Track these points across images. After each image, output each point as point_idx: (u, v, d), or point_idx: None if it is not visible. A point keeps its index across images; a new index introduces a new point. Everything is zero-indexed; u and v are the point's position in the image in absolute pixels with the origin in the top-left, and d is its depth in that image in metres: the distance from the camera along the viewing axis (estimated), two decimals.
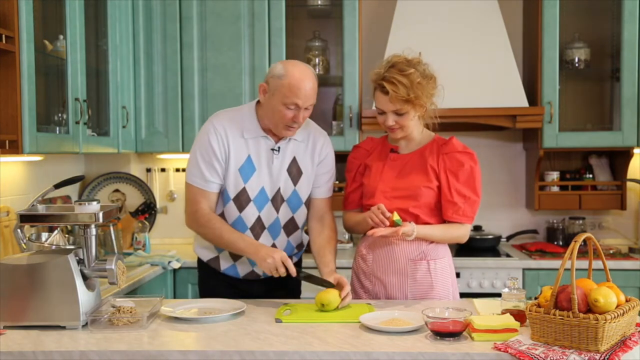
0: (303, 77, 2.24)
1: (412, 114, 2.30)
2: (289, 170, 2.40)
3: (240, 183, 2.35)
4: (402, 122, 2.31)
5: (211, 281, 2.52)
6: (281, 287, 2.49)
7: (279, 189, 2.39)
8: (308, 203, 2.48)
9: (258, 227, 2.40)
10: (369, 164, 2.45)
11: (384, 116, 2.32)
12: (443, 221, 2.38)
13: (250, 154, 2.35)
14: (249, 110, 2.39)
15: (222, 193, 2.37)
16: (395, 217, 2.23)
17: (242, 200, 2.36)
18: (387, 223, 2.25)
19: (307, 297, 2.63)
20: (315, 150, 2.45)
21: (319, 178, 2.48)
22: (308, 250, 2.56)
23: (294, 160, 2.41)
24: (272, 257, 2.22)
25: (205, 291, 2.53)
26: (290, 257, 2.51)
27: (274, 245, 2.43)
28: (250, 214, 2.37)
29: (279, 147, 2.38)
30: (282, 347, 1.79)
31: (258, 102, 2.39)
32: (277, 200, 2.40)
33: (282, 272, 2.23)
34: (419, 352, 1.74)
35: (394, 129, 2.33)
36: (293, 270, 2.24)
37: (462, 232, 2.37)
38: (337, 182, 3.58)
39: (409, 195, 2.34)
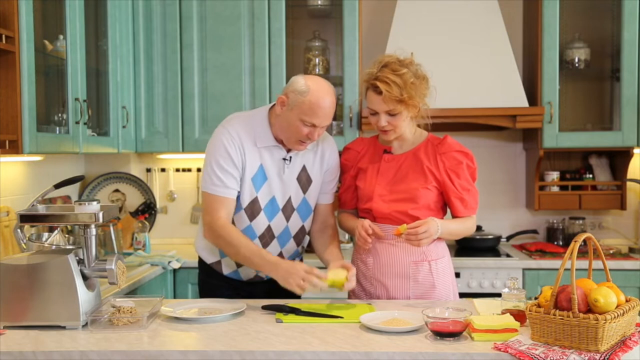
0: (323, 96, 2.22)
1: (405, 115, 2.29)
2: (298, 179, 2.39)
3: (253, 192, 2.33)
4: (395, 123, 2.29)
5: (212, 282, 2.51)
6: (283, 288, 2.49)
7: (290, 197, 2.38)
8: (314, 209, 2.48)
9: (268, 236, 2.39)
10: (362, 166, 2.44)
11: (377, 117, 2.31)
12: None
13: (263, 163, 2.33)
14: (261, 118, 2.35)
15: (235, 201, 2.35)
16: (403, 228, 2.22)
17: (253, 209, 2.34)
18: (370, 241, 2.28)
19: (307, 297, 2.63)
20: (324, 159, 2.44)
21: (325, 185, 2.47)
22: (308, 250, 2.57)
23: (304, 168, 2.40)
24: (294, 274, 2.12)
25: (206, 292, 2.53)
26: (293, 259, 2.51)
27: (280, 253, 2.42)
28: (260, 223, 2.36)
29: (290, 157, 2.36)
30: (282, 347, 1.79)
31: (271, 108, 2.36)
32: (287, 209, 2.39)
33: (312, 289, 2.12)
34: (419, 352, 1.74)
35: (387, 131, 2.32)
36: (319, 276, 2.13)
37: (473, 223, 2.41)
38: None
39: (407, 198, 2.33)
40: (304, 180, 2.40)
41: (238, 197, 2.33)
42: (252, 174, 2.32)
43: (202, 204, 2.38)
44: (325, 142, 2.46)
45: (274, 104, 2.35)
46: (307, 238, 2.56)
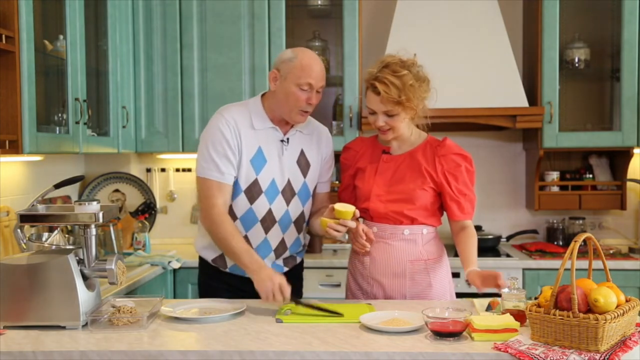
0: (313, 57, 2.31)
1: (403, 116, 2.29)
2: (298, 162, 2.42)
3: (252, 175, 2.34)
4: (393, 124, 2.30)
5: (213, 283, 2.49)
6: None
7: (289, 180, 2.39)
8: (312, 197, 2.50)
9: (269, 220, 2.38)
10: (361, 166, 2.45)
11: (375, 116, 2.32)
12: (439, 221, 2.42)
13: (261, 145, 2.35)
14: (254, 104, 2.40)
15: (233, 185, 2.35)
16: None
17: (253, 192, 2.35)
18: (369, 247, 2.30)
19: (307, 297, 2.63)
20: (321, 144, 2.49)
21: (323, 175, 2.51)
22: (308, 250, 2.56)
23: (302, 152, 2.43)
24: (272, 281, 2.16)
25: (206, 294, 2.49)
26: (295, 256, 2.51)
27: (282, 240, 2.42)
28: (261, 206, 2.36)
29: (287, 139, 2.39)
30: (282, 347, 1.79)
31: (262, 96, 2.41)
32: (287, 192, 2.39)
33: (279, 299, 2.14)
34: (419, 352, 1.74)
35: (385, 131, 2.33)
36: (288, 297, 2.16)
37: (474, 232, 2.38)
38: (337, 182, 3.59)
39: (404, 199, 2.34)
40: (304, 164, 2.43)
41: (237, 181, 2.34)
42: (251, 156, 2.33)
43: (197, 190, 2.37)
44: (320, 128, 2.53)
45: (264, 93, 2.41)
46: (307, 236, 2.56)
